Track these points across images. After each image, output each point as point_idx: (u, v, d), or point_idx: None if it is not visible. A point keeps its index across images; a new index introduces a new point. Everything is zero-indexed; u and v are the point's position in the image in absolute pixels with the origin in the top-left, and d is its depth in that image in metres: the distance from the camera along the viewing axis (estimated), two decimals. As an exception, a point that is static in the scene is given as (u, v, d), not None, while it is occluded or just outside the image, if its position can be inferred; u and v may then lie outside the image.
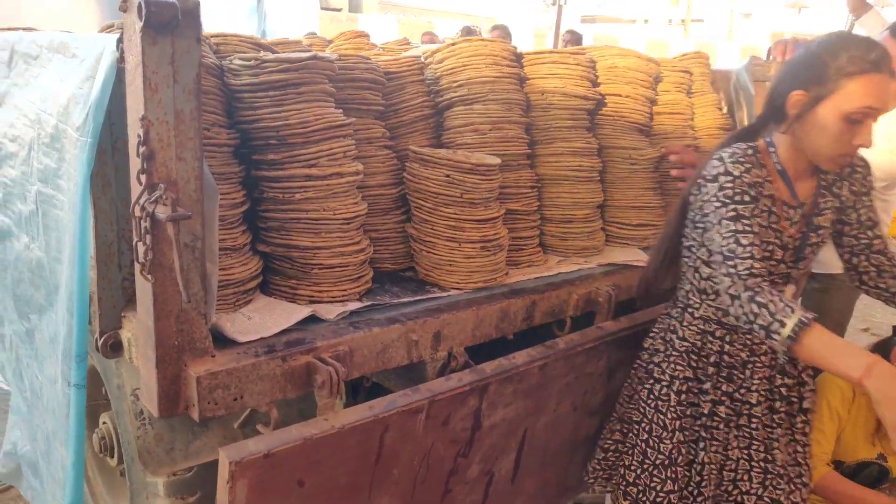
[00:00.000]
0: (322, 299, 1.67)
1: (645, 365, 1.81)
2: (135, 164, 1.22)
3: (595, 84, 2.26)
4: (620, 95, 2.30)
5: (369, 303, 1.68)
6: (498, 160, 1.87)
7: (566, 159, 2.17)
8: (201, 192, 1.28)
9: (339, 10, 22.25)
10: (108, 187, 1.49)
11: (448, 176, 1.80)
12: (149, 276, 1.23)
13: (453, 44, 2.07)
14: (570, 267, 2.11)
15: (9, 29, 1.96)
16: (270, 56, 1.58)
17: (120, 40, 1.31)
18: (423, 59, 2.14)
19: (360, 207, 1.71)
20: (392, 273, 1.94)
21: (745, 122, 2.84)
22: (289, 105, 1.60)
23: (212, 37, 1.78)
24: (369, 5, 23.35)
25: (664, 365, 1.75)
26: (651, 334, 1.84)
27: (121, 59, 1.32)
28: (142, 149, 1.20)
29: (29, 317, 1.79)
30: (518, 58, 2.15)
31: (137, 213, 1.21)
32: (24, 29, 1.94)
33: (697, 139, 2.60)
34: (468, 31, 13.04)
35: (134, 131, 1.23)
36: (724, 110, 2.88)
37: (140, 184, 1.22)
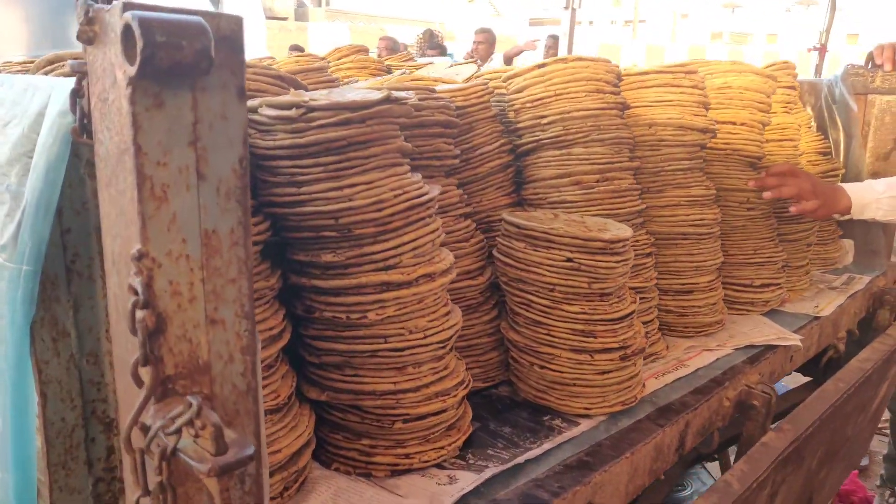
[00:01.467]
0: (411, 466, 1.09)
1: None
2: (128, 345, 0.62)
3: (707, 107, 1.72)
4: (735, 123, 1.77)
5: (488, 470, 1.10)
6: (630, 230, 1.31)
7: (683, 212, 1.63)
8: (257, 378, 0.68)
9: (284, 18, 21.45)
10: (62, 339, 0.87)
11: (571, 260, 1.23)
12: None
13: (541, 65, 1.50)
14: (704, 357, 1.57)
15: None
16: (321, 101, 0.98)
17: (78, 95, 0.70)
18: (489, 85, 1.56)
19: (455, 321, 1.13)
20: (485, 394, 1.36)
21: (843, 144, 2.35)
22: (353, 177, 1.01)
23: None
24: (315, 14, 22.55)
25: None
26: None
27: (80, 132, 0.72)
28: (141, 315, 0.60)
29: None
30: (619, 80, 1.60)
31: (140, 443, 0.61)
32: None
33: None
34: (430, 35, 12.53)
35: (122, 277, 0.63)
36: (814, 128, 2.39)
37: (140, 384, 0.61)
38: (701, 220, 1.64)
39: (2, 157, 0.82)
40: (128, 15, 0.53)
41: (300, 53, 2.73)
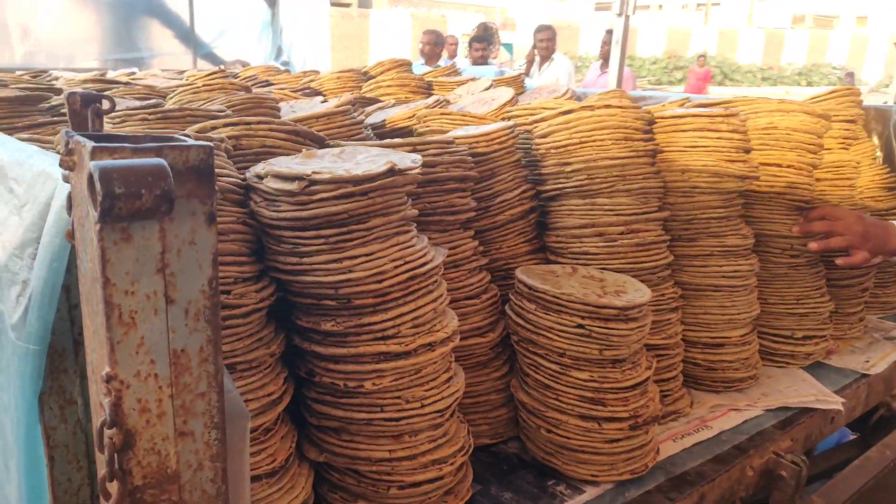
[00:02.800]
0: (405, 532, 1.09)
1: None
2: (97, 462, 0.64)
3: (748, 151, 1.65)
4: (780, 166, 1.69)
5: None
6: (649, 293, 1.28)
7: (716, 262, 1.58)
8: (227, 482, 0.69)
9: (348, 5, 21.60)
10: (69, 406, 0.91)
11: (582, 326, 1.21)
12: None
13: (566, 112, 1.47)
14: (730, 418, 1.52)
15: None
16: (323, 176, 0.99)
17: (70, 201, 0.73)
18: (515, 127, 1.54)
19: (457, 387, 1.13)
20: (493, 451, 1.36)
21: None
22: (353, 249, 1.02)
23: (227, 125, 1.19)
24: (378, 2, 22.60)
25: None
26: None
27: (72, 235, 0.74)
28: (109, 433, 0.62)
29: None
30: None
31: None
32: None
33: (858, 207, 1.99)
34: (484, 28, 12.38)
35: (98, 387, 0.66)
36: (879, 160, 2.26)
37: (107, 498, 0.64)
38: (735, 271, 1.58)
39: (17, 238, 0.86)
40: (91, 165, 0.54)
41: (344, 70, 2.75)
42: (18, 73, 3.54)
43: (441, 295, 1.10)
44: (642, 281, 1.37)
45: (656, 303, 1.47)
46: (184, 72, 3.84)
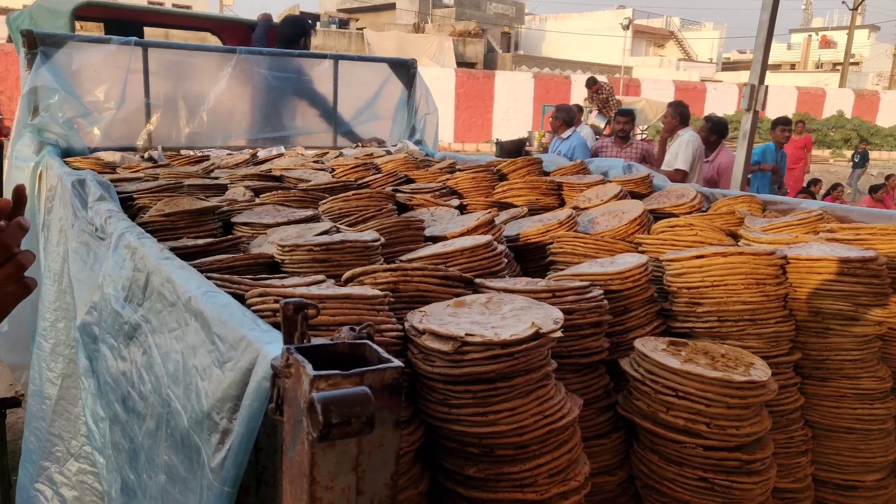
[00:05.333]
0: None
1: None
2: None
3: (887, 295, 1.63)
4: (922, 304, 1.65)
5: None
6: (771, 447, 1.29)
7: (850, 405, 1.56)
8: None
9: (474, 65, 22.37)
10: (249, 536, 1.06)
11: (705, 480, 1.25)
12: None
13: (699, 256, 1.52)
14: (863, 572, 1.48)
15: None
16: (476, 339, 1.10)
17: (275, 384, 0.87)
18: (648, 264, 1.60)
19: (587, 533, 1.19)
20: (615, 586, 1.40)
21: None
22: (498, 404, 1.12)
23: (387, 271, 1.34)
24: (504, 60, 23.26)
25: None
26: None
27: (275, 411, 0.89)
28: None
29: None
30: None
31: None
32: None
33: None
34: (593, 82, 12.48)
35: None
36: None
37: None
38: (871, 415, 1.55)
39: (219, 392, 1.03)
40: (315, 396, 0.67)
41: (478, 169, 2.91)
42: (184, 152, 3.99)
43: (576, 444, 1.18)
44: (772, 423, 1.38)
45: (785, 446, 1.47)
46: (326, 152, 4.18)
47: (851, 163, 16.42)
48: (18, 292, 0.97)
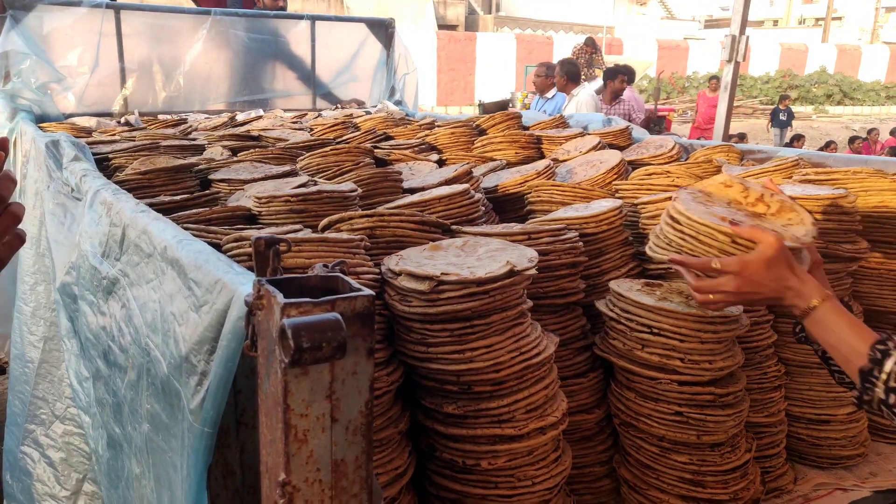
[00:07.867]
0: None
1: None
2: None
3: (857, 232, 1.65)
4: (891, 243, 1.68)
5: None
6: (744, 381, 1.33)
7: (822, 341, 1.59)
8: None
9: (455, 27, 22.07)
10: (230, 477, 1.08)
11: (680, 414, 1.28)
12: None
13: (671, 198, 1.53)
14: (835, 498, 1.53)
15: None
16: (451, 277, 1.11)
17: (249, 321, 0.88)
18: (622, 207, 1.61)
19: (565, 466, 1.22)
20: (594, 519, 1.44)
21: None
22: (475, 341, 1.13)
23: (364, 216, 1.34)
24: (485, 22, 22.96)
25: None
26: None
27: (250, 347, 0.90)
28: (283, 527, 0.76)
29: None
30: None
31: None
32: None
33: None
34: (591, 42, 12.34)
35: (271, 482, 0.80)
36: None
37: (278, 578, 0.78)
38: (841, 350, 1.58)
39: (196, 335, 1.03)
40: (284, 322, 0.68)
41: (457, 124, 2.90)
42: (161, 117, 3.94)
43: (552, 381, 1.20)
44: (745, 360, 1.41)
45: (758, 382, 1.50)
46: (305, 114, 4.14)
47: (770, 122, 12.85)
48: (14, 243, 0.97)
